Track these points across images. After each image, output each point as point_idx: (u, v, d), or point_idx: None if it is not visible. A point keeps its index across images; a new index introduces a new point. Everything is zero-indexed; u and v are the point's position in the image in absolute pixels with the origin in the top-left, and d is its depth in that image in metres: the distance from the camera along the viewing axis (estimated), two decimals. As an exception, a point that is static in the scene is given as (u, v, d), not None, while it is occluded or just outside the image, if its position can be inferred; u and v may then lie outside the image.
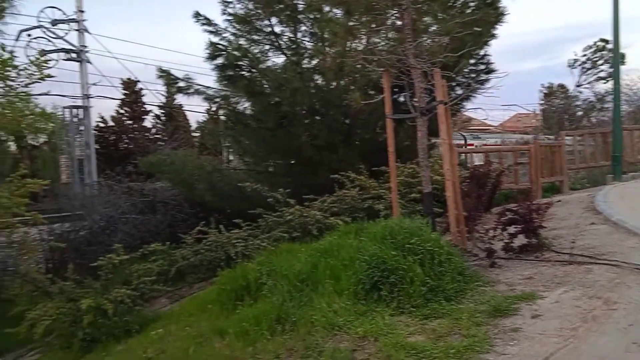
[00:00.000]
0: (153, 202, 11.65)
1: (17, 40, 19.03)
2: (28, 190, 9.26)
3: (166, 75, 11.91)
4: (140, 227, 10.43)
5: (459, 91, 10.97)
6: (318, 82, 11.61)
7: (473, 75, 11.34)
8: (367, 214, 8.32)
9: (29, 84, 9.55)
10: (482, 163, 10.68)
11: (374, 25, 8.61)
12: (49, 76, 9.74)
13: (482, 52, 11.04)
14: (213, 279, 7.43)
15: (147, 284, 7.26)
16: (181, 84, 11.82)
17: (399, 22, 8.19)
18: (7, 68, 9.45)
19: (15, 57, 9.70)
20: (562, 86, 28.87)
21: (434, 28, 8.49)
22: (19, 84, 9.56)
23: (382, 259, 5.01)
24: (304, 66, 11.53)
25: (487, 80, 11.16)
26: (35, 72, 9.58)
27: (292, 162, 11.65)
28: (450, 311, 4.56)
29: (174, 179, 11.90)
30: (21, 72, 9.55)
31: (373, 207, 8.56)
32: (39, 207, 12.21)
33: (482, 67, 11.32)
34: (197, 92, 11.86)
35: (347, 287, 5.09)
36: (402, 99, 9.02)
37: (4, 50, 9.19)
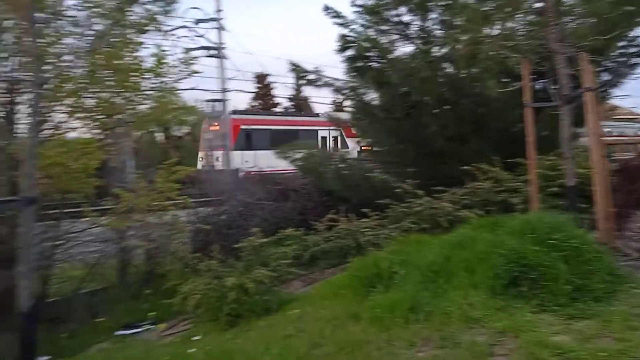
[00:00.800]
0: (285, 190, 12.20)
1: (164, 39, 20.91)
2: (178, 176, 10.30)
3: (297, 68, 12.41)
4: (274, 213, 10.98)
5: (606, 77, 10.10)
6: (448, 70, 11.33)
7: (622, 59, 10.34)
8: (501, 208, 8.03)
9: (179, 79, 10.52)
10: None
11: (509, 9, 8.24)
12: (196, 72, 10.64)
13: (632, 34, 10.02)
14: (343, 265, 7.67)
15: (283, 267, 7.67)
16: (311, 76, 12.21)
17: (537, 5, 7.76)
18: (160, 66, 10.48)
19: (167, 55, 10.71)
20: None
21: (579, 9, 7.92)
22: (169, 80, 10.57)
23: (521, 253, 4.83)
24: (433, 54, 11.32)
25: (638, 64, 10.16)
26: (184, 69, 10.54)
27: (420, 152, 11.54)
28: (599, 313, 4.29)
29: (304, 168, 12.40)
30: (171, 70, 10.54)
31: (507, 201, 8.22)
32: (186, 192, 13.40)
33: (633, 50, 10.27)
34: (326, 84, 12.18)
35: (482, 281, 4.98)
36: (538, 86, 8.55)
37: (159, 50, 10.17)
